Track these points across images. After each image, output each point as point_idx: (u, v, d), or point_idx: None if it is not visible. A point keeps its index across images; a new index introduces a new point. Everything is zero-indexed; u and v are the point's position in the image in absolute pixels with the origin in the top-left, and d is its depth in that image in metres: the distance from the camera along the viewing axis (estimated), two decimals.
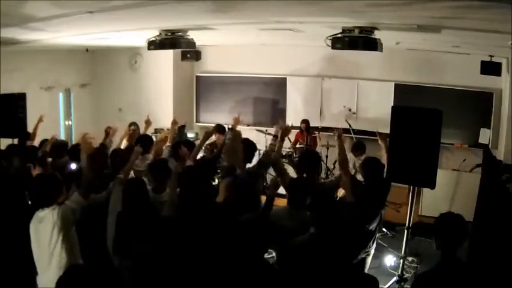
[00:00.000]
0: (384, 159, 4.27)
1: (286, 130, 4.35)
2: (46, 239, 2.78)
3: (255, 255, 2.45)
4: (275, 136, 4.45)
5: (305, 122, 7.45)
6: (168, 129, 5.80)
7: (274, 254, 3.15)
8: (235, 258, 2.46)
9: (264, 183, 7.31)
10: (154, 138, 5.47)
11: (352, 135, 7.14)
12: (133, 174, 4.19)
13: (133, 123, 6.11)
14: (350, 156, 5.34)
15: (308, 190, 3.25)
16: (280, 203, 3.77)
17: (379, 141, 4.55)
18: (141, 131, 5.84)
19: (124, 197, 3.08)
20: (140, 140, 4.66)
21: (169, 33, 4.82)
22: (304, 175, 3.89)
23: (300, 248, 2.69)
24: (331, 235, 2.58)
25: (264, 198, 3.74)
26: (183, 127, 5.52)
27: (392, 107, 4.53)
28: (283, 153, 6.46)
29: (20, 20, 3.64)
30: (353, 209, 3.35)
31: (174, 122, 5.39)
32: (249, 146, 4.30)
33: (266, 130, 7.97)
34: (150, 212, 3.08)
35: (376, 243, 4.27)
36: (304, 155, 4.42)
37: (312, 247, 2.60)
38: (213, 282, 2.50)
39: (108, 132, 5.00)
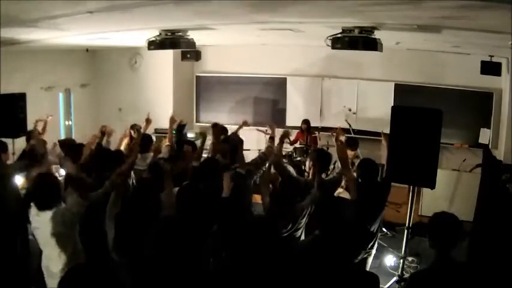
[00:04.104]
0: (385, 159, 4.27)
1: (285, 133, 4.32)
2: (50, 243, 2.77)
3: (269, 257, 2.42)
4: (271, 138, 4.45)
5: (306, 122, 7.45)
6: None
7: None
8: (248, 260, 2.42)
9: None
10: (154, 138, 5.45)
11: (352, 135, 7.13)
12: (133, 174, 4.19)
13: (134, 125, 6.08)
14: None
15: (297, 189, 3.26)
16: None
17: (383, 141, 4.55)
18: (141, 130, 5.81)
19: (135, 197, 3.05)
20: (141, 140, 4.64)
21: (169, 33, 4.81)
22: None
23: (305, 249, 2.68)
24: (335, 236, 2.58)
25: (256, 197, 3.75)
26: (183, 127, 5.45)
27: (392, 107, 4.53)
28: (283, 153, 6.45)
29: (20, 20, 3.63)
30: (354, 208, 3.34)
31: (172, 120, 5.37)
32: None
33: (266, 130, 7.96)
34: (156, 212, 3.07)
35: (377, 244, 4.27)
36: (321, 156, 4.26)
37: (316, 248, 2.59)
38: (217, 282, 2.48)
39: (104, 132, 4.96)
